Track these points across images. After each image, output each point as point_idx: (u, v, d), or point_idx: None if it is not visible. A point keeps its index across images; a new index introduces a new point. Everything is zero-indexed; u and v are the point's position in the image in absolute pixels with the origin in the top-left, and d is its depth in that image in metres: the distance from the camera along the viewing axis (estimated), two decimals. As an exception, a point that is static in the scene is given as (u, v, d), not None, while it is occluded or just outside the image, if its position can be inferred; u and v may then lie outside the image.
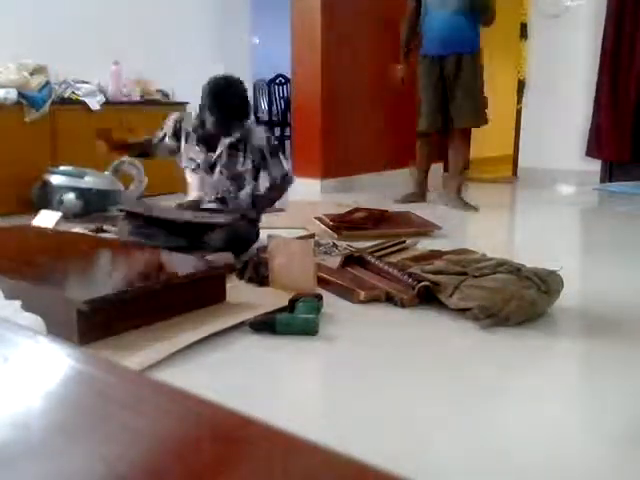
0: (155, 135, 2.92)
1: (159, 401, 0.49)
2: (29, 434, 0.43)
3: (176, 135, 2.85)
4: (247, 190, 2.82)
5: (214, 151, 2.78)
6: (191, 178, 2.85)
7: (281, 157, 2.86)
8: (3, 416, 0.46)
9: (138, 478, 0.40)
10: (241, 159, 2.79)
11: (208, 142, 2.78)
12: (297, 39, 4.87)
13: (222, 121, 2.68)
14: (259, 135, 2.83)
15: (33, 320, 1.58)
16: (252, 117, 2.93)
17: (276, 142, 2.97)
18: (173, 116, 2.91)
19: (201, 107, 2.73)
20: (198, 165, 2.79)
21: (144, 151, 3.00)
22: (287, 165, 2.89)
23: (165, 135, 2.88)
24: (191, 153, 2.79)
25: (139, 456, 0.42)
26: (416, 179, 4.42)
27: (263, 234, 2.78)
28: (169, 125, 2.88)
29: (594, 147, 5.25)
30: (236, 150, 2.78)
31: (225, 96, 2.68)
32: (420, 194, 4.38)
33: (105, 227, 3.13)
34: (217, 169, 2.78)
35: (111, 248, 2.50)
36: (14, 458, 0.41)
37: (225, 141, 2.76)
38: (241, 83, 2.77)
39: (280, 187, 2.88)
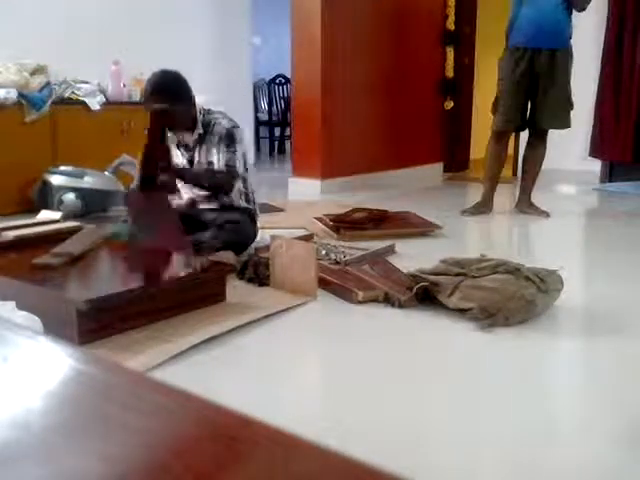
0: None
1: (159, 401, 0.49)
2: (29, 434, 0.43)
3: None
4: (238, 186, 2.77)
5: (190, 150, 2.75)
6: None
7: (233, 151, 2.70)
8: (3, 416, 0.46)
9: (138, 478, 0.40)
10: (213, 149, 2.71)
11: (181, 142, 2.75)
12: (297, 39, 4.87)
13: (164, 124, 2.44)
14: (221, 124, 2.70)
15: (30, 319, 1.58)
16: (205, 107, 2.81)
17: (235, 137, 2.80)
18: None
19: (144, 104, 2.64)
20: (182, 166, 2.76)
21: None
22: (237, 162, 2.70)
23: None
24: (176, 158, 2.74)
25: (139, 456, 0.42)
26: (487, 187, 4.04)
27: (263, 234, 2.78)
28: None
29: (596, 148, 5.26)
30: (205, 140, 2.70)
31: (152, 99, 2.57)
32: (489, 202, 4.04)
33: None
34: (195, 162, 2.74)
35: (111, 248, 2.50)
36: (14, 458, 0.41)
37: (193, 136, 2.71)
38: (175, 73, 2.66)
39: (228, 175, 2.68)
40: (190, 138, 2.72)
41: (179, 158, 2.76)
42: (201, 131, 2.70)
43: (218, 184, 2.71)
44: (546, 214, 3.91)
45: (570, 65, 3.75)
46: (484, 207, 4.01)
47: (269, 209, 3.73)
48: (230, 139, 2.69)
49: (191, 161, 2.75)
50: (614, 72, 5.12)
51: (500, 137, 3.93)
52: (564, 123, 3.82)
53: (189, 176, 2.68)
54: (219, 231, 2.56)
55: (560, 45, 3.67)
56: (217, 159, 2.67)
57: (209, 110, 2.77)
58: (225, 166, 2.65)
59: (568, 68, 3.73)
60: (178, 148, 2.76)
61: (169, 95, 2.59)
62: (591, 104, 5.31)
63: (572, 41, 3.77)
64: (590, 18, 5.24)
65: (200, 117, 2.71)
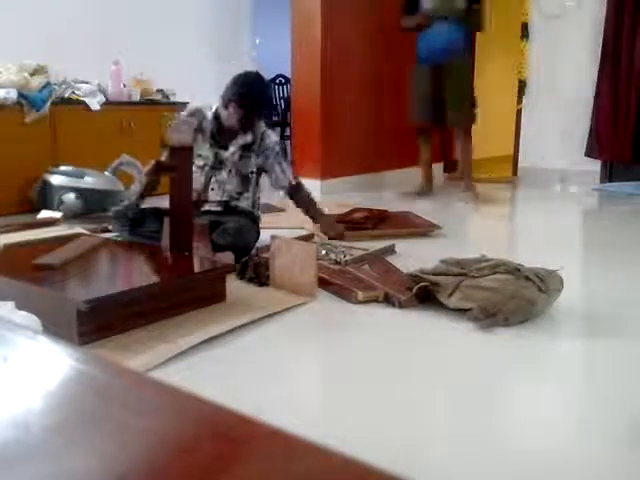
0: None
1: (159, 401, 0.49)
2: (29, 434, 0.43)
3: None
4: (249, 195, 2.81)
5: (225, 149, 2.77)
6: (196, 174, 2.82)
7: (288, 163, 2.90)
8: (3, 416, 0.46)
9: (138, 478, 0.40)
10: (252, 161, 2.79)
11: (220, 140, 2.77)
12: (297, 39, 4.87)
13: (243, 112, 2.66)
14: (272, 138, 2.83)
15: (29, 319, 1.58)
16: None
17: (284, 147, 3.01)
18: (183, 114, 2.84)
19: (223, 98, 2.70)
20: (206, 163, 2.78)
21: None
22: (292, 172, 2.92)
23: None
24: (202, 150, 2.77)
25: (139, 456, 0.42)
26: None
27: (263, 234, 2.78)
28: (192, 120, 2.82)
29: (594, 148, 5.25)
30: (249, 151, 2.78)
31: (248, 85, 2.68)
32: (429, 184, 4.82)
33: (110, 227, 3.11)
34: (227, 168, 2.77)
35: (111, 248, 2.50)
36: (14, 458, 0.41)
37: (239, 141, 2.75)
38: (264, 79, 2.82)
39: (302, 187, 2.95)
40: (244, 138, 2.76)
41: (207, 152, 2.76)
42: (252, 137, 2.77)
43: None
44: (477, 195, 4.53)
45: (467, 72, 4.55)
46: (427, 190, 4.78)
47: (270, 209, 3.73)
48: (285, 153, 2.86)
49: (223, 162, 2.76)
50: (612, 72, 5.12)
51: (420, 132, 4.73)
52: (468, 122, 4.53)
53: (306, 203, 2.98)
54: (222, 234, 2.56)
55: (458, 56, 4.37)
56: (279, 170, 2.83)
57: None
58: (294, 178, 2.89)
59: (465, 75, 4.49)
60: (210, 142, 2.77)
61: (255, 111, 2.72)
62: (591, 105, 5.30)
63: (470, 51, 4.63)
64: (590, 18, 5.24)
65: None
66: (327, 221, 3.03)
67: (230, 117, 2.69)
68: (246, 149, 2.77)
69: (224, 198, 2.79)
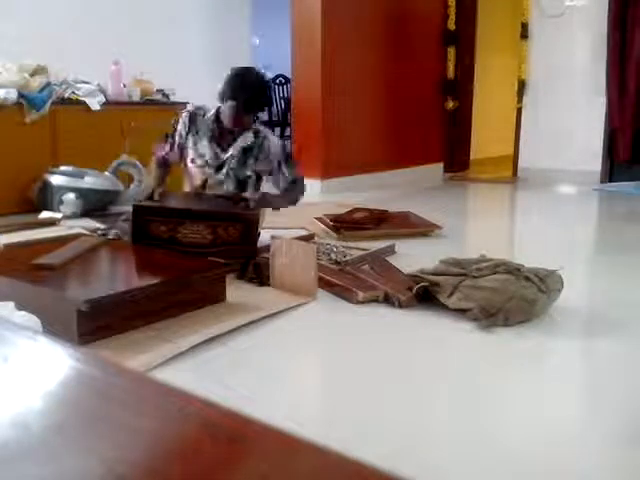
0: (163, 149, 2.86)
1: (159, 401, 0.49)
2: (29, 434, 0.43)
3: (189, 131, 2.80)
4: (250, 193, 2.81)
5: (225, 151, 2.77)
6: (194, 172, 2.82)
7: (292, 165, 2.88)
8: (3, 416, 0.46)
9: (138, 478, 0.40)
10: (251, 163, 2.78)
11: (220, 140, 2.77)
12: (297, 39, 4.87)
13: (241, 106, 2.64)
14: (274, 143, 2.82)
15: (29, 319, 1.58)
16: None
17: (289, 150, 2.99)
18: (185, 112, 2.83)
19: (221, 94, 2.68)
20: (207, 162, 2.78)
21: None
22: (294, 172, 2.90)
23: (172, 144, 2.84)
24: (201, 149, 2.77)
25: (139, 456, 0.42)
26: None
27: (263, 234, 2.78)
28: (179, 128, 2.82)
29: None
30: (249, 153, 2.77)
31: (247, 79, 2.67)
32: None
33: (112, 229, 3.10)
34: (225, 169, 2.77)
35: (111, 248, 2.50)
36: (14, 458, 0.41)
37: (239, 144, 2.75)
38: (263, 74, 2.82)
39: (300, 186, 2.90)
40: (244, 140, 2.75)
41: (207, 151, 2.75)
42: (253, 140, 2.76)
43: (297, 195, 2.90)
44: None
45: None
46: None
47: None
48: (289, 155, 2.90)
49: (222, 163, 2.76)
50: (619, 72, 5.13)
51: None
52: None
53: (274, 203, 2.86)
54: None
55: None
56: (284, 172, 2.82)
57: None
58: (299, 177, 2.87)
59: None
60: (209, 141, 2.76)
61: (255, 107, 2.71)
62: (590, 105, 5.31)
63: None
64: (590, 17, 5.24)
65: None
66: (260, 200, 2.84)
67: (227, 115, 2.68)
68: (245, 152, 2.76)
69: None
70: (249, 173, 2.79)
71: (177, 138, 2.82)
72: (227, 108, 2.68)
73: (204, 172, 2.78)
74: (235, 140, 2.76)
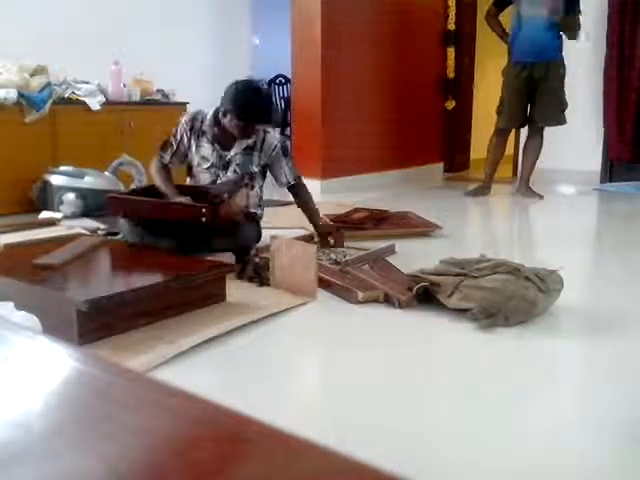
0: (163, 157, 2.84)
1: (159, 401, 0.49)
2: (29, 434, 0.43)
3: (190, 136, 2.79)
4: (254, 193, 2.81)
5: (228, 150, 2.76)
6: (202, 175, 2.81)
7: (292, 160, 2.89)
8: (3, 416, 0.46)
9: (138, 478, 0.40)
10: (255, 159, 2.78)
11: (222, 140, 2.76)
12: (297, 39, 4.87)
13: (247, 128, 2.65)
14: (274, 136, 2.82)
15: (28, 319, 1.58)
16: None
17: (287, 143, 2.98)
18: (184, 119, 2.83)
19: (225, 110, 2.63)
20: (212, 164, 2.77)
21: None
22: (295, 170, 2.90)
23: (173, 150, 2.83)
24: (204, 151, 2.77)
25: (139, 456, 0.42)
26: (488, 171, 4.85)
27: (263, 234, 2.78)
28: (180, 132, 2.81)
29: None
30: (251, 150, 2.78)
31: (255, 106, 2.62)
32: (489, 185, 4.86)
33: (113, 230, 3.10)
34: (231, 167, 2.77)
35: (111, 248, 2.50)
36: (14, 458, 0.41)
37: (241, 143, 2.75)
38: (268, 90, 2.82)
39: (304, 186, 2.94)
40: (245, 140, 2.75)
41: (210, 153, 2.75)
42: (254, 138, 2.76)
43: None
44: (539, 196, 4.66)
45: (562, 73, 4.56)
46: (485, 189, 4.84)
47: (272, 203, 3.72)
48: (289, 150, 2.91)
49: (227, 162, 2.76)
50: (617, 74, 5.13)
51: (502, 133, 4.79)
52: (559, 121, 4.64)
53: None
54: (223, 235, 2.54)
55: (551, 58, 4.51)
56: (283, 172, 2.84)
57: None
58: (298, 177, 2.89)
59: (560, 75, 4.55)
60: (211, 143, 2.75)
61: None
62: (591, 106, 5.31)
63: (565, 53, 4.59)
64: (590, 18, 5.24)
65: None
66: (328, 229, 2.98)
67: (233, 128, 2.67)
68: (248, 149, 2.77)
69: None
70: (256, 169, 2.79)
71: (180, 146, 2.80)
72: (230, 125, 2.66)
73: (211, 174, 2.78)
74: (236, 139, 2.76)
